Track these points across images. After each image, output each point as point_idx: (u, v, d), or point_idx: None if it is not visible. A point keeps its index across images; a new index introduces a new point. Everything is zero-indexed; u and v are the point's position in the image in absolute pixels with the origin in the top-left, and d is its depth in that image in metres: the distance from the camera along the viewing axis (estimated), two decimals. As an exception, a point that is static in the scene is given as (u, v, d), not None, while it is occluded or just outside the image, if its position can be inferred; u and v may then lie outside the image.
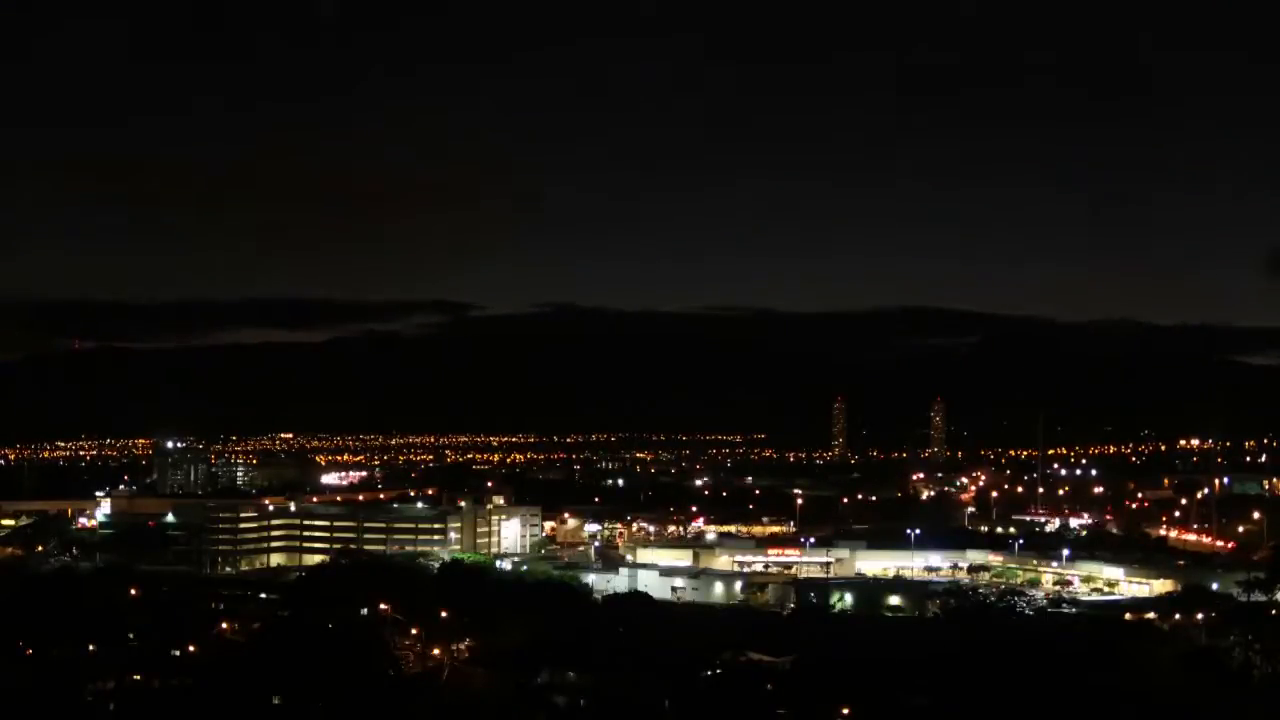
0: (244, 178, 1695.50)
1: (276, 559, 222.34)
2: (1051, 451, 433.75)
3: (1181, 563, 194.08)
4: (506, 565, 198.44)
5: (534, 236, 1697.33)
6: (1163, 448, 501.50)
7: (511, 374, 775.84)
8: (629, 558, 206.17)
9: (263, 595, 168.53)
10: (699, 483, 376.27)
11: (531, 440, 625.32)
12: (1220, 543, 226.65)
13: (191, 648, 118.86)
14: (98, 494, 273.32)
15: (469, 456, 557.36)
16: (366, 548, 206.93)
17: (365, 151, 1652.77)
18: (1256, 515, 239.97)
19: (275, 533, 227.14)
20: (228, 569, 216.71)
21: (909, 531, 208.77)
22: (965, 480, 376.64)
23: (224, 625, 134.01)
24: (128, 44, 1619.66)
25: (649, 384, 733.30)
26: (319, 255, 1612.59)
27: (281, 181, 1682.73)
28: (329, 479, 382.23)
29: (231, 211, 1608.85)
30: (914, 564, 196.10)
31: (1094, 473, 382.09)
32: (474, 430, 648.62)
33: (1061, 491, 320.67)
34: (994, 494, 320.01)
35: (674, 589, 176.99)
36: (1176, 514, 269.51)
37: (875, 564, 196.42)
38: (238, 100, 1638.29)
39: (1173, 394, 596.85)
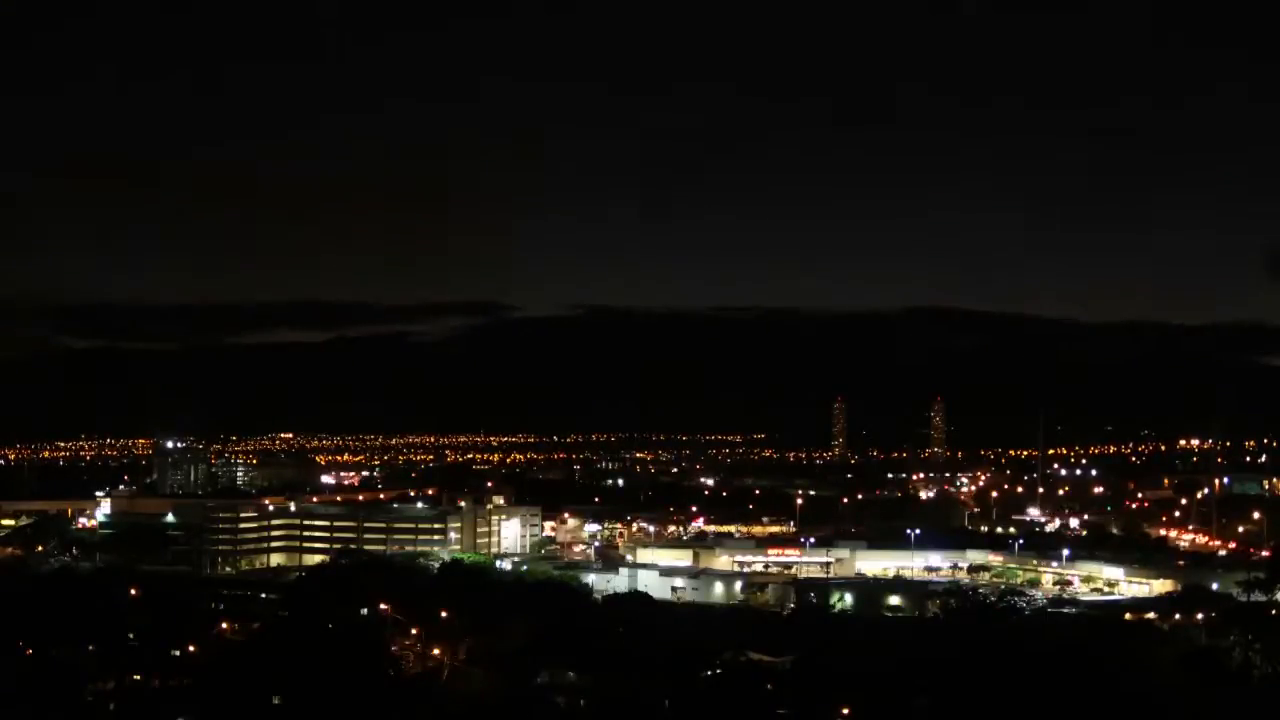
0: (245, 179, 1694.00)
1: (276, 559, 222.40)
2: (1051, 451, 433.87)
3: (1181, 563, 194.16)
4: (506, 565, 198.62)
5: (535, 237, 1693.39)
6: (1163, 448, 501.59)
7: (512, 374, 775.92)
8: (629, 558, 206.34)
9: (263, 595, 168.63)
10: (699, 483, 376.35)
11: (531, 440, 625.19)
12: (1218, 543, 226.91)
13: (191, 648, 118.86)
14: (98, 494, 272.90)
15: (469, 456, 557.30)
16: (366, 548, 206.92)
17: (368, 151, 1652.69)
18: (1256, 515, 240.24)
19: (275, 533, 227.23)
20: (228, 569, 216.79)
21: (909, 531, 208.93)
22: (965, 480, 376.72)
23: (224, 625, 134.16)
24: (127, 42, 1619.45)
25: (649, 384, 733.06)
26: (321, 257, 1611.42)
27: (286, 183, 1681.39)
28: (329, 479, 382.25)
29: (233, 213, 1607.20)
30: (914, 564, 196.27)
31: (1094, 473, 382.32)
32: (474, 430, 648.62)
33: (1061, 491, 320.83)
34: (994, 494, 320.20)
35: (674, 589, 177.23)
36: (1176, 514, 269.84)
37: (875, 564, 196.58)
38: (238, 99, 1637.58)
39: (1173, 394, 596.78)
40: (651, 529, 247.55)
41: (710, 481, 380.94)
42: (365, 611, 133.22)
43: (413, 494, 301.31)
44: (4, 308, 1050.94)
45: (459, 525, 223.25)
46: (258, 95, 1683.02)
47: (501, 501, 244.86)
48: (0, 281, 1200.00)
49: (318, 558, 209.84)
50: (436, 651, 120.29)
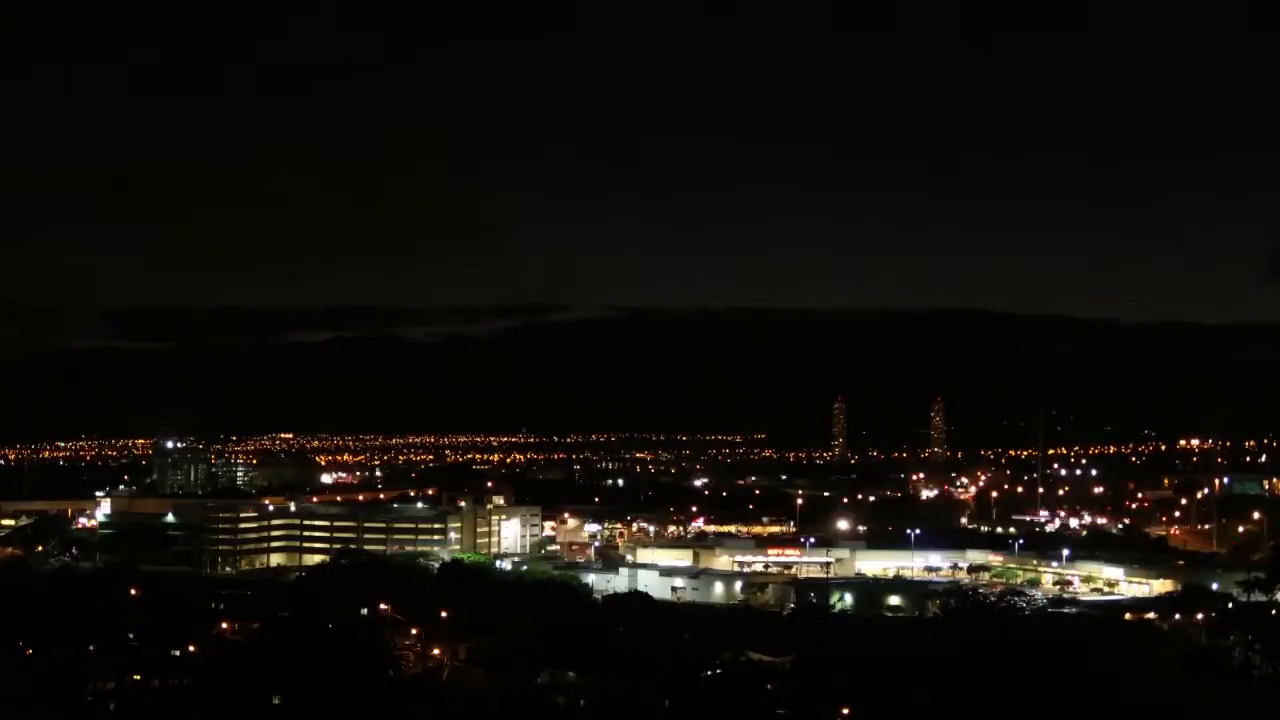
0: (246, 181, 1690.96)
1: (276, 559, 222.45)
2: (1051, 451, 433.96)
3: (1181, 563, 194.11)
4: (506, 565, 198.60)
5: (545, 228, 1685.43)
6: (1163, 448, 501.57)
7: (510, 374, 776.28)
8: (629, 558, 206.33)
9: (263, 595, 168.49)
10: (699, 483, 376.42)
11: (531, 440, 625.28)
12: (1215, 544, 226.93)
13: (191, 648, 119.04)
14: (98, 494, 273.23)
15: (469, 456, 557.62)
16: (366, 548, 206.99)
17: (367, 152, 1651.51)
18: (1256, 515, 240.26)
19: (275, 533, 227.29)
20: (228, 569, 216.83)
21: (909, 531, 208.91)
22: (965, 480, 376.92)
23: (224, 625, 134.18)
24: (128, 42, 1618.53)
25: (649, 383, 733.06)
26: (325, 257, 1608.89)
27: (288, 186, 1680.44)
28: (329, 479, 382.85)
29: (233, 214, 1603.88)
30: (914, 564, 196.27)
31: (1094, 473, 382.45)
32: (474, 430, 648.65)
33: (1061, 491, 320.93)
34: (994, 494, 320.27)
35: (674, 589, 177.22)
36: (1177, 514, 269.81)
37: (875, 564, 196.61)
38: (241, 99, 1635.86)
39: (1173, 394, 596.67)
40: (651, 529, 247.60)
41: (710, 481, 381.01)
42: (365, 611, 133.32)
43: (413, 494, 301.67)
44: (4, 307, 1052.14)
45: (459, 525, 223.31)
46: (262, 92, 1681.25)
47: (501, 501, 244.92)
48: (1, 282, 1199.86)
49: (318, 558, 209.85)
50: (436, 651, 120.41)
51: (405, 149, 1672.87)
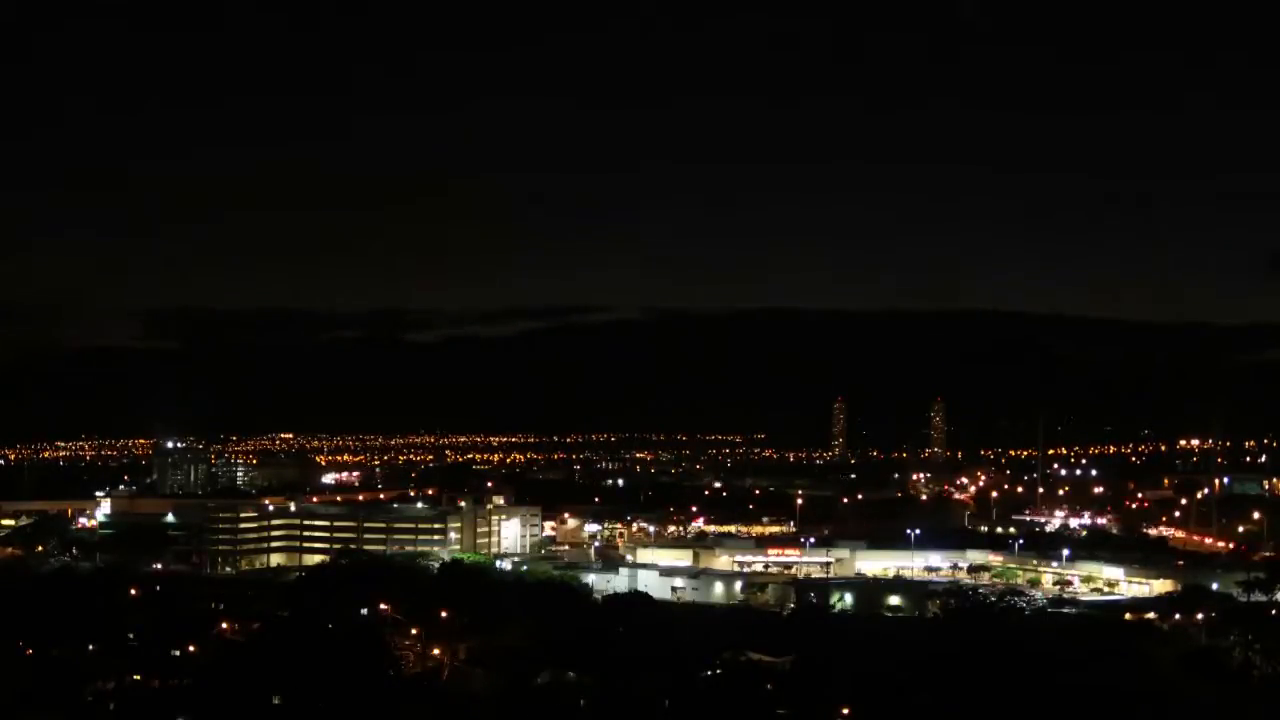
0: (247, 185, 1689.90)
1: (276, 559, 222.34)
2: (1051, 451, 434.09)
3: (1181, 563, 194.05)
4: (506, 565, 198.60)
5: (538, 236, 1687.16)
6: (1163, 448, 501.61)
7: (511, 374, 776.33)
8: (629, 558, 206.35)
9: (263, 595, 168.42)
10: (699, 483, 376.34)
11: (531, 440, 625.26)
12: (1215, 543, 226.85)
13: (191, 648, 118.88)
14: (98, 494, 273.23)
15: (469, 456, 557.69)
16: (366, 548, 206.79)
17: (365, 153, 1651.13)
18: (1256, 515, 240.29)
19: (275, 533, 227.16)
20: (228, 569, 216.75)
21: (909, 531, 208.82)
22: (965, 480, 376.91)
23: (224, 625, 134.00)
24: (131, 44, 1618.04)
25: (650, 384, 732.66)
26: (325, 260, 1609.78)
27: (283, 191, 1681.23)
28: (329, 479, 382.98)
29: (230, 217, 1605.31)
30: (914, 564, 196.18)
31: (1094, 473, 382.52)
32: (474, 430, 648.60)
33: (1061, 491, 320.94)
34: (994, 494, 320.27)
35: (674, 589, 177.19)
36: (1176, 514, 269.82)
37: (875, 564, 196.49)
38: (246, 101, 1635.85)
39: (1173, 394, 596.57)
40: (651, 529, 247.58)
41: (710, 481, 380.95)
42: (365, 611, 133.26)
43: (413, 494, 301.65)
44: (6, 309, 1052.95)
45: (459, 525, 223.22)
46: (265, 93, 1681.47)
47: (501, 501, 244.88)
48: (2, 285, 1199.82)
49: (318, 558, 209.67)
50: (436, 651, 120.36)
51: (407, 153, 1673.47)
